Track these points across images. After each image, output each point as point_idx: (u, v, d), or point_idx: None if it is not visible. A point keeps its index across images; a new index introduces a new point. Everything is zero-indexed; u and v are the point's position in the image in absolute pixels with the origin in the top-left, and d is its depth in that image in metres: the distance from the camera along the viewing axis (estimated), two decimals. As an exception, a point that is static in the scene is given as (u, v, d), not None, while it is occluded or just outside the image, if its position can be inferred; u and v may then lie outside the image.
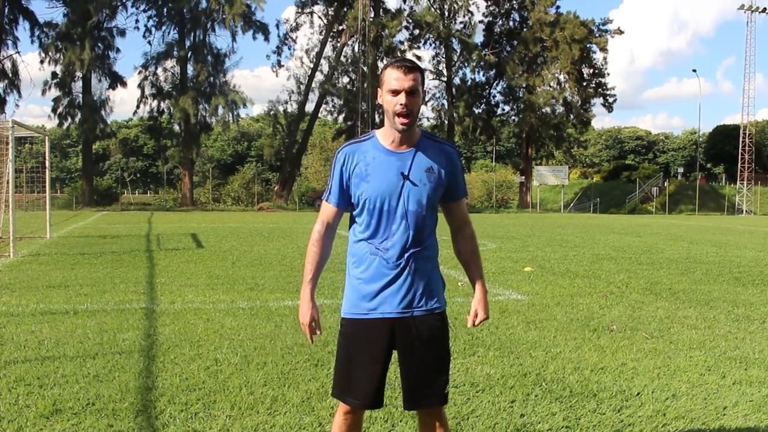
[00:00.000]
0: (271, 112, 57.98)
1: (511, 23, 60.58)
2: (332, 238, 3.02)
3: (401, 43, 55.30)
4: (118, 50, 52.53)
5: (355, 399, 2.96)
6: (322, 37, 56.01)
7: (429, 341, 2.92)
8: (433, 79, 58.77)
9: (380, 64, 53.26)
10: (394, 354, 3.00)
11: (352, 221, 2.98)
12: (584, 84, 58.65)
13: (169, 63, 52.31)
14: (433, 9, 56.33)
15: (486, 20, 60.28)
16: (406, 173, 2.81)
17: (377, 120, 53.98)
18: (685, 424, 4.33)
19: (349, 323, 2.96)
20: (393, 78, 2.75)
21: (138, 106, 52.95)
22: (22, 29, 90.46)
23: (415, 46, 56.36)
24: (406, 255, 2.84)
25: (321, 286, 9.63)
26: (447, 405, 4.53)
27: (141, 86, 52.20)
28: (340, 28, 55.40)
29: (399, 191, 2.81)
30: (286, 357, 5.74)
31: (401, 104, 2.73)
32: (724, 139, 75.88)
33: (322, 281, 10.04)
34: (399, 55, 54.19)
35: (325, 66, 56.05)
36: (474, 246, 3.06)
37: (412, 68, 2.76)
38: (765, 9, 58.80)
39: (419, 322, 2.89)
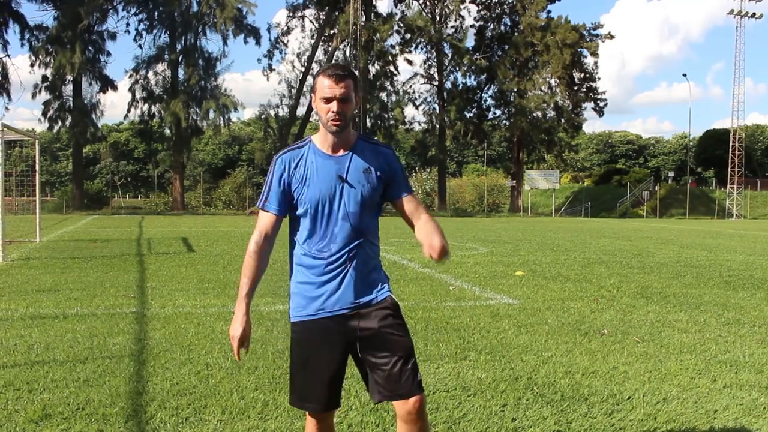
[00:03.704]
0: (263, 116, 57.88)
1: (502, 27, 60.73)
2: (270, 251, 2.97)
3: (392, 47, 55.36)
4: (108, 54, 52.34)
5: (314, 404, 2.97)
6: (313, 41, 56.05)
7: (381, 326, 2.90)
8: (425, 83, 58.89)
9: (372, 69, 53.34)
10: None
11: (293, 227, 2.98)
12: (575, 88, 58.89)
13: (160, 67, 52.15)
14: (424, 13, 56.41)
15: (477, 24, 60.44)
16: (343, 176, 2.88)
17: (368, 124, 54.02)
18: (676, 428, 4.34)
19: (299, 327, 2.97)
20: (325, 86, 2.80)
21: (129, 110, 52.78)
22: (12, 32, 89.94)
23: (407, 50, 56.40)
24: (348, 254, 2.88)
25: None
26: (439, 409, 4.54)
27: (132, 90, 52.00)
28: (332, 32, 55.41)
29: (338, 194, 2.87)
30: (278, 361, 5.72)
31: (333, 111, 2.80)
32: (714, 144, 76.29)
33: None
34: (390, 59, 54.33)
35: (316, 70, 55.83)
36: (433, 223, 2.95)
37: (344, 76, 2.81)
38: (754, 14, 59.18)
39: (367, 313, 2.91)
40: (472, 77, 59.62)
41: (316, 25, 56.22)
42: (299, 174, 2.90)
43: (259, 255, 2.92)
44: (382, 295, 2.96)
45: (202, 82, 51.24)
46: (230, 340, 2.90)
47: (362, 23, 51.87)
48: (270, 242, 2.96)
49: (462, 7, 56.76)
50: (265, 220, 2.95)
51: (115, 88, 52.12)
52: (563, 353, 6.20)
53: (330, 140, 2.90)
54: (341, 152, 2.91)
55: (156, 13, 51.55)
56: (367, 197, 2.89)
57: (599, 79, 60.49)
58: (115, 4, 51.19)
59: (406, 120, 58.30)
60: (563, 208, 63.20)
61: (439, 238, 2.81)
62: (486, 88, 60.86)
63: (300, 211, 2.91)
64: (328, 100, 2.80)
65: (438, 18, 57.20)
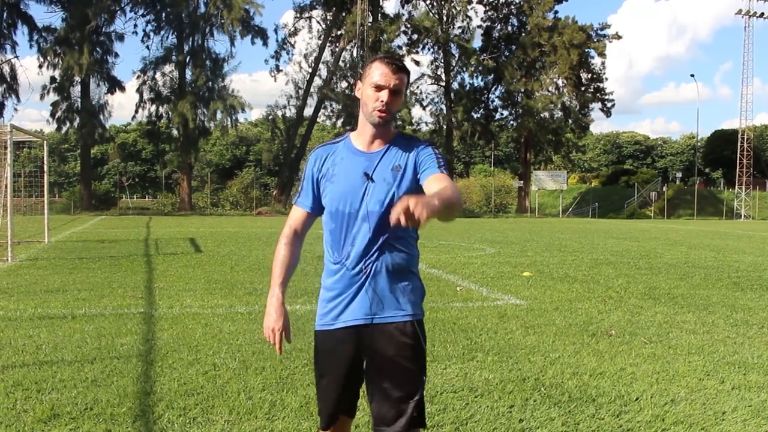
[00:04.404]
0: (270, 117, 58.05)
1: (509, 28, 60.78)
2: (300, 245, 2.82)
3: (399, 47, 55.44)
4: (116, 55, 52.54)
5: (323, 418, 2.81)
6: (320, 42, 56.17)
7: (395, 355, 2.65)
8: (432, 84, 58.94)
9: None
10: None
11: (324, 228, 2.78)
12: (582, 89, 58.83)
13: (168, 68, 52.44)
14: (431, 14, 56.47)
15: (484, 25, 60.54)
16: (369, 173, 2.64)
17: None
18: (684, 429, 4.32)
19: (317, 336, 2.80)
20: (380, 73, 2.59)
21: (136, 111, 53.07)
22: (21, 34, 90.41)
23: (414, 50, 56.53)
24: (368, 260, 2.64)
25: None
26: (446, 409, 4.53)
27: (139, 91, 52.27)
28: (339, 32, 55.51)
29: (361, 192, 2.64)
30: (285, 362, 5.72)
31: (382, 101, 2.59)
32: (722, 144, 75.97)
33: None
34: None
35: (323, 71, 56.17)
36: (447, 184, 2.47)
37: (401, 68, 2.61)
38: (762, 14, 58.97)
39: (384, 333, 2.66)
40: (480, 78, 59.82)
41: (323, 26, 56.36)
42: (327, 170, 2.73)
43: (290, 246, 2.78)
44: (404, 317, 2.67)
45: (210, 82, 51.43)
46: (269, 333, 2.71)
47: (369, 24, 51.93)
48: (300, 238, 2.80)
49: (469, 7, 56.85)
50: (295, 215, 2.81)
51: (122, 89, 52.40)
52: (571, 354, 6.19)
53: (367, 134, 2.68)
54: (375, 147, 2.69)
55: (163, 15, 51.81)
56: (392, 197, 2.60)
57: (607, 79, 60.78)
58: (122, 5, 51.47)
59: (414, 121, 58.43)
60: (570, 209, 63.05)
61: (428, 199, 2.12)
62: (493, 89, 60.97)
63: (325, 210, 2.74)
64: (379, 88, 2.58)
65: (445, 19, 57.23)
